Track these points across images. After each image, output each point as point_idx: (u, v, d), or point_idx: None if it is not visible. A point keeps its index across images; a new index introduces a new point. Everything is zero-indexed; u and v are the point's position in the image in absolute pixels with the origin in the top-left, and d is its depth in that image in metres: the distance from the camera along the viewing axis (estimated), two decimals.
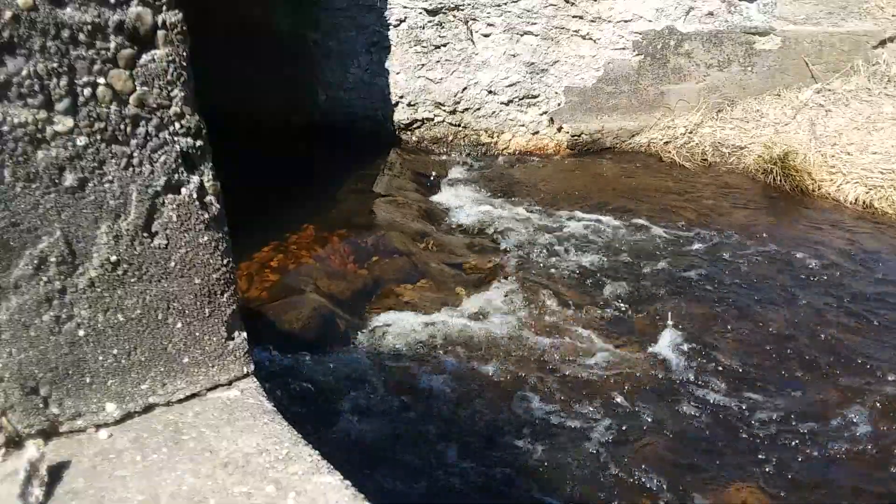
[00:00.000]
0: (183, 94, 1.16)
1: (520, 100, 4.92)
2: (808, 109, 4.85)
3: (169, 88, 1.14)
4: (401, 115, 4.95)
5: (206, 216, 1.24)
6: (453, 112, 4.95)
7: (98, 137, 1.08)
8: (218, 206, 1.27)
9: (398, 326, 2.75)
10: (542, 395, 2.42)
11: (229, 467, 1.11)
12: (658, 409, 2.38)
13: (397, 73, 4.81)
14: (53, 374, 1.13)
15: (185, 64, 1.15)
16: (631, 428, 2.29)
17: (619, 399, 2.42)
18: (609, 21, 4.73)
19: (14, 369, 1.09)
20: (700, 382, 2.51)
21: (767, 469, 2.13)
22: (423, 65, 4.77)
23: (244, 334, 1.37)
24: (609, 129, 5.06)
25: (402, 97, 4.88)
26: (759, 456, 2.19)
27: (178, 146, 1.18)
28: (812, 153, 4.39)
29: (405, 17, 4.62)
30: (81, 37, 1.03)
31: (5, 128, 1.00)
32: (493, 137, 5.02)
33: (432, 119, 4.98)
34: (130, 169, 1.13)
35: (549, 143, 5.05)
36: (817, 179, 4.24)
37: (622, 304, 3.02)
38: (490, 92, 4.87)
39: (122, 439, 1.16)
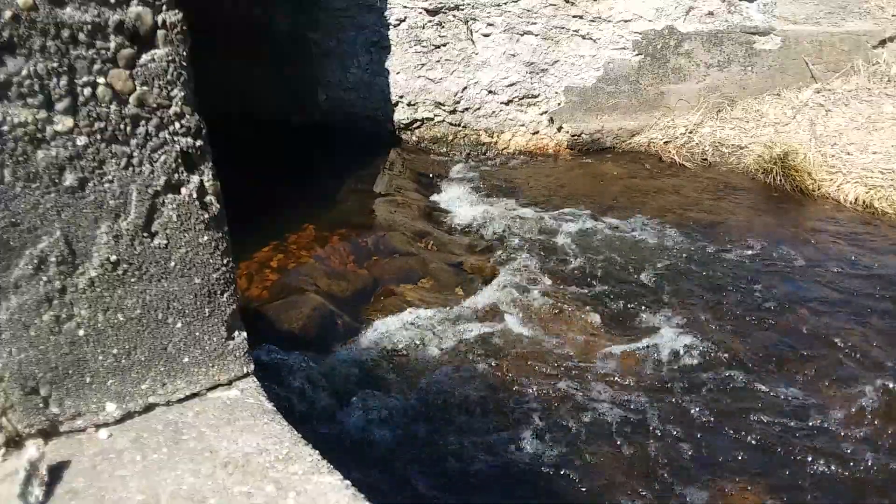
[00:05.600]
0: (183, 93, 1.16)
1: (520, 99, 4.92)
2: (808, 109, 4.85)
3: (169, 88, 1.14)
4: (401, 114, 4.95)
5: (206, 216, 1.24)
6: (453, 112, 4.95)
7: (98, 137, 1.08)
8: (218, 205, 1.27)
9: (398, 326, 2.75)
10: (542, 394, 2.42)
11: (229, 467, 1.11)
12: (659, 408, 2.38)
13: (397, 73, 4.81)
14: (53, 374, 1.13)
15: (184, 64, 1.16)
16: (631, 427, 2.29)
17: (619, 399, 2.42)
18: (609, 21, 4.73)
19: (14, 369, 1.09)
20: (700, 382, 2.51)
21: (770, 469, 2.13)
22: (423, 64, 4.77)
23: (244, 334, 1.37)
24: (609, 128, 5.06)
25: (402, 97, 4.88)
26: (762, 455, 2.19)
27: (177, 146, 1.18)
28: (812, 153, 4.39)
29: (405, 17, 4.62)
30: (81, 37, 1.03)
31: (5, 128, 1.00)
32: (492, 137, 5.02)
33: (432, 119, 4.98)
34: (130, 169, 1.13)
35: (548, 142, 5.05)
36: (817, 179, 4.24)
37: (622, 304, 3.02)
38: (490, 92, 4.87)
39: (122, 439, 1.17)
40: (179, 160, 1.18)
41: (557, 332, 2.79)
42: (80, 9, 1.02)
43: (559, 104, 4.93)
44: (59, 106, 1.03)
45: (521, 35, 4.71)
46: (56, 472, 1.07)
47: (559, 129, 5.01)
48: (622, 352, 2.68)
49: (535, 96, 4.92)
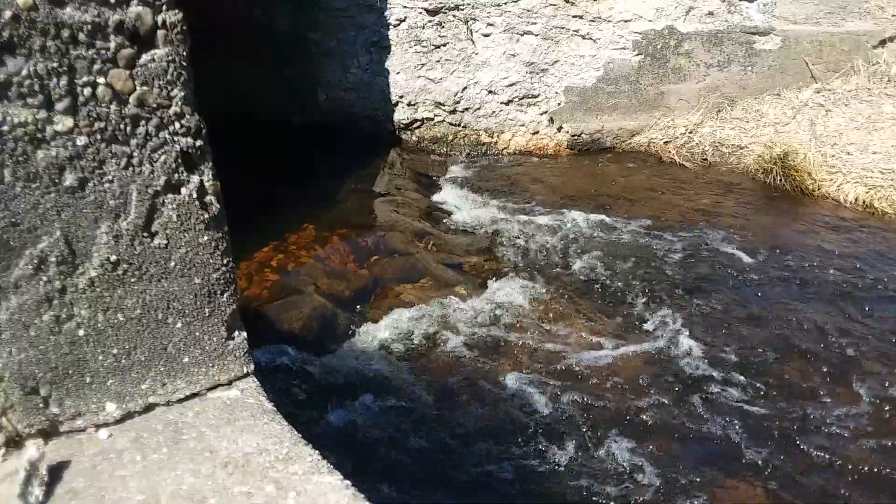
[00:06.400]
0: (183, 93, 1.16)
1: (520, 99, 4.92)
2: (808, 109, 4.85)
3: (169, 88, 1.14)
4: (401, 114, 4.95)
5: (206, 216, 1.24)
6: (453, 112, 4.95)
7: (98, 137, 1.08)
8: (218, 205, 1.27)
9: (398, 326, 2.75)
10: (543, 394, 2.42)
11: (229, 467, 1.11)
12: (659, 408, 2.38)
13: (397, 73, 4.81)
14: (53, 374, 1.13)
15: (184, 64, 1.16)
16: (633, 427, 2.29)
17: (620, 398, 2.42)
18: (609, 21, 4.73)
19: (14, 369, 1.09)
20: (701, 382, 2.51)
21: (771, 470, 2.13)
22: (423, 64, 4.77)
23: (244, 334, 1.37)
24: (609, 128, 5.06)
25: (402, 97, 4.88)
26: (763, 456, 2.19)
27: (177, 146, 1.18)
28: (812, 153, 4.39)
29: (405, 17, 4.62)
30: (81, 37, 1.03)
31: (5, 128, 1.00)
32: (492, 137, 5.02)
33: (432, 119, 4.98)
34: (130, 169, 1.13)
35: (548, 142, 5.05)
36: (817, 179, 4.24)
37: (622, 304, 3.02)
38: (490, 92, 4.87)
39: (122, 439, 1.17)
40: (179, 160, 1.18)
41: (557, 332, 2.79)
42: (80, 9, 1.02)
43: (559, 104, 4.93)
44: (59, 106, 1.03)
45: (521, 35, 4.71)
46: (56, 472, 1.07)
47: (559, 129, 5.01)
48: (622, 351, 2.68)
49: (535, 96, 4.92)
